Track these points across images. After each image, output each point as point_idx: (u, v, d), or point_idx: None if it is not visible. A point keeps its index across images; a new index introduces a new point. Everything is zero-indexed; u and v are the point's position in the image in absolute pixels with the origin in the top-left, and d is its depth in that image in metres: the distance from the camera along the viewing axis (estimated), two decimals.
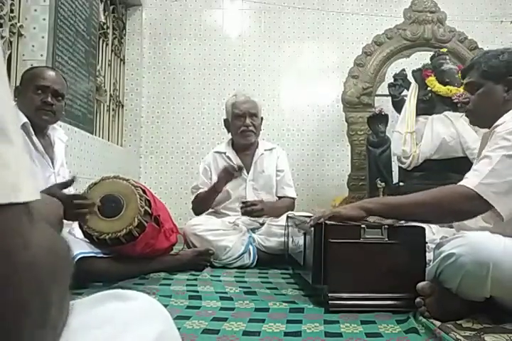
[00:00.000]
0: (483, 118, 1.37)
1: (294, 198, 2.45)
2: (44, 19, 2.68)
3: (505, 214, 1.18)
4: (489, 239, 1.14)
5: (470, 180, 1.22)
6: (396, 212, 1.32)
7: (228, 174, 2.20)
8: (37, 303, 0.30)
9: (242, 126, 2.36)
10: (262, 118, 2.46)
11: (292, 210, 2.35)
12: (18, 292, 0.29)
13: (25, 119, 1.67)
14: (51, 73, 1.80)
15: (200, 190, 2.37)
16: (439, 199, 1.26)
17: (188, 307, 1.32)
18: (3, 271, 0.29)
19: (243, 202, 2.22)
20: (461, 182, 1.25)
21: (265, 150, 2.46)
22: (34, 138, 1.72)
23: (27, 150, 1.66)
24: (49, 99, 1.74)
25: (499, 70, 1.36)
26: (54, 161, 1.81)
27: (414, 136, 3.35)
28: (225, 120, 2.50)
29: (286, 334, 1.08)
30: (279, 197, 2.44)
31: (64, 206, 1.41)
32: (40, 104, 1.72)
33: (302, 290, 1.55)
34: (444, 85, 3.31)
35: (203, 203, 2.36)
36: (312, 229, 1.34)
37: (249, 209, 2.18)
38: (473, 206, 1.20)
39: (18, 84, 2.55)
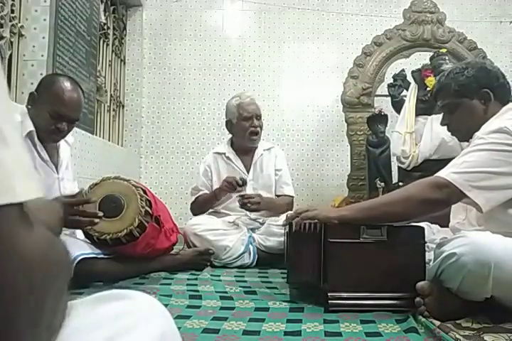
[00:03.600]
0: (470, 133, 1.35)
1: (292, 196, 2.46)
2: (45, 19, 2.69)
3: (482, 203, 1.19)
4: (490, 238, 1.15)
5: (442, 172, 1.25)
6: (368, 215, 1.29)
7: (232, 187, 2.22)
8: (30, 304, 0.30)
9: (251, 128, 2.35)
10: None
11: (291, 208, 2.36)
12: (9, 292, 0.29)
13: (31, 127, 1.63)
14: (73, 98, 1.67)
15: (201, 193, 2.38)
16: (408, 192, 1.27)
17: (189, 306, 1.32)
18: None
19: (241, 196, 2.23)
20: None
21: (264, 150, 2.47)
22: (39, 146, 1.68)
23: (31, 158, 1.64)
24: (64, 127, 1.68)
25: (470, 86, 1.38)
26: (58, 166, 1.79)
27: (414, 136, 3.35)
28: (227, 121, 2.46)
29: (286, 333, 1.08)
30: (278, 196, 2.45)
31: (64, 212, 1.41)
32: (54, 128, 1.66)
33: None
34: None
35: (201, 207, 2.39)
36: (287, 227, 1.39)
37: (247, 201, 2.19)
38: (444, 194, 1.20)
39: (16, 82, 2.58)
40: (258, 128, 2.37)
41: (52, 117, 1.64)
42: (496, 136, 1.23)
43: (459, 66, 1.46)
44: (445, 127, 1.52)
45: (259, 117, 2.39)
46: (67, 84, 1.67)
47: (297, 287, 1.54)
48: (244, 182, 2.22)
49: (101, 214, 1.48)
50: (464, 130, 1.42)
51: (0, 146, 0.30)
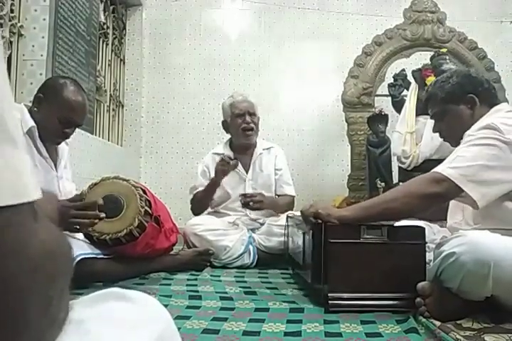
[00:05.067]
0: (461, 137, 1.39)
1: (293, 196, 2.46)
2: (44, 19, 2.69)
3: (477, 198, 1.21)
4: (489, 237, 1.15)
5: (438, 167, 1.28)
6: (369, 213, 1.31)
7: (225, 163, 2.19)
8: (37, 301, 0.31)
9: (243, 124, 2.36)
10: (258, 118, 2.47)
11: (292, 208, 2.36)
12: (19, 288, 0.30)
13: (32, 123, 1.64)
14: (82, 104, 1.71)
15: (200, 188, 2.37)
16: (407, 188, 1.31)
17: (188, 307, 1.32)
18: (10, 268, 0.29)
19: (243, 195, 2.22)
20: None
21: (263, 149, 2.47)
22: (38, 142, 1.69)
23: (30, 155, 1.64)
24: (71, 132, 1.72)
25: (455, 93, 1.45)
26: (57, 164, 1.80)
27: (414, 136, 3.35)
28: (223, 122, 2.49)
29: (286, 334, 1.08)
30: (279, 196, 2.44)
31: (61, 216, 1.41)
32: (61, 133, 1.70)
33: (302, 290, 1.56)
34: None
35: (202, 201, 2.36)
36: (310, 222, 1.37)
37: (249, 200, 2.18)
38: (442, 188, 1.23)
39: (15, 82, 2.58)
40: (251, 124, 2.37)
41: (61, 122, 1.67)
42: (484, 132, 1.28)
43: (444, 75, 1.54)
44: None
45: (252, 114, 2.39)
46: (74, 90, 1.70)
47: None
48: (235, 157, 2.22)
49: (103, 215, 1.49)
50: (455, 135, 1.46)
51: (11, 147, 0.30)
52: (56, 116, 1.66)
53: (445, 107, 1.48)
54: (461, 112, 1.45)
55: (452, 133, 1.49)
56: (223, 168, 2.19)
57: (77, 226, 1.47)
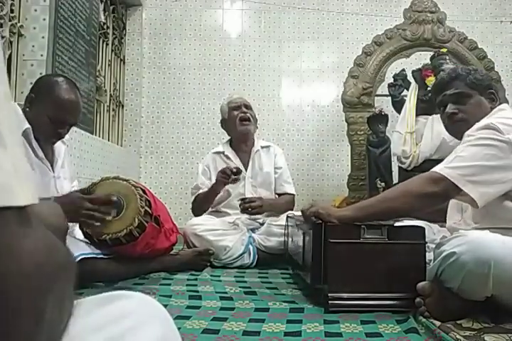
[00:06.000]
0: (472, 125, 1.38)
1: (293, 194, 2.46)
2: (44, 19, 2.69)
3: (476, 197, 1.21)
4: (489, 236, 1.16)
5: (436, 167, 1.29)
6: (368, 212, 1.32)
7: (226, 176, 2.20)
8: (28, 310, 0.30)
9: (240, 114, 2.40)
10: (256, 119, 2.50)
11: (292, 207, 2.37)
12: (7, 299, 0.29)
13: (27, 125, 1.59)
14: (74, 103, 1.65)
15: (201, 191, 2.39)
16: (406, 187, 1.31)
17: (188, 307, 1.32)
18: None
19: (242, 199, 2.23)
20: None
21: (261, 147, 2.49)
22: (34, 144, 1.65)
23: (26, 157, 1.61)
24: (65, 131, 1.68)
25: (483, 83, 1.46)
26: (54, 164, 1.76)
27: (414, 136, 3.35)
28: (221, 120, 2.53)
29: (286, 334, 1.08)
30: (279, 195, 2.45)
31: (75, 207, 1.42)
32: (54, 134, 1.65)
33: (302, 290, 1.56)
34: None
35: (202, 204, 2.38)
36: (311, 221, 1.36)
37: (247, 205, 2.19)
38: (441, 187, 1.24)
39: (15, 82, 2.58)
40: (248, 114, 2.41)
41: (53, 122, 1.62)
42: (484, 132, 1.28)
43: (468, 67, 1.57)
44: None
45: (248, 107, 2.44)
46: (66, 88, 1.64)
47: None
48: (238, 171, 2.22)
49: (114, 213, 1.50)
50: (472, 121, 1.41)
51: None
52: (48, 116, 1.60)
53: (471, 92, 1.47)
54: (482, 102, 1.46)
55: (472, 117, 1.44)
56: (224, 179, 2.20)
57: (86, 220, 1.49)
